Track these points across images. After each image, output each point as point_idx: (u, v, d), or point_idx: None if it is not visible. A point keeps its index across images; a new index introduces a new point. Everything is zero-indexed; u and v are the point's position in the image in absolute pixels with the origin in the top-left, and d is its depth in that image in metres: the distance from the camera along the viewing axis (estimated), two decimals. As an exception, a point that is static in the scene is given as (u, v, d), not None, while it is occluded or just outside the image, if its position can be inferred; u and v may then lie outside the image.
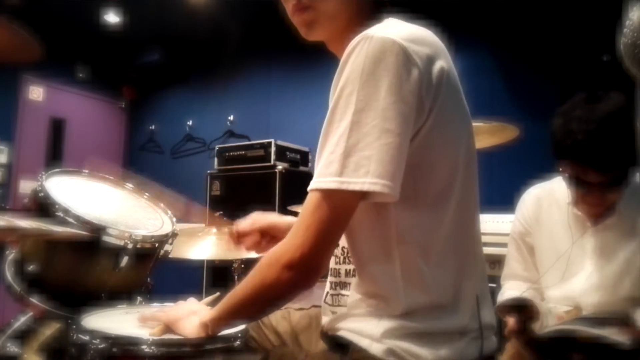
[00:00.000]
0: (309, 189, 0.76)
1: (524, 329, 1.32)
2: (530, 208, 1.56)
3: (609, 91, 1.30)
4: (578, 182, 1.32)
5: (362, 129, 0.72)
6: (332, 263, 0.92)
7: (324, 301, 0.95)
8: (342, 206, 0.75)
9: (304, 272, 0.76)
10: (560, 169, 1.35)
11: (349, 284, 0.89)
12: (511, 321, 1.35)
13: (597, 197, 1.33)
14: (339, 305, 0.90)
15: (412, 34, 0.78)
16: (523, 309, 1.35)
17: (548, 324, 1.31)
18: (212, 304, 0.92)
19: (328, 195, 0.74)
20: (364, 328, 0.81)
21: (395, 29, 0.78)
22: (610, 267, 1.36)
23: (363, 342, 0.80)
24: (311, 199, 0.75)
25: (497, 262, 1.87)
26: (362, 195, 0.74)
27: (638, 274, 1.32)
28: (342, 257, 0.91)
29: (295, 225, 0.77)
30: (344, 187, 0.72)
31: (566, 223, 1.45)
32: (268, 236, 1.18)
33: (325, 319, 0.92)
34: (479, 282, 0.87)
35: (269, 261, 0.78)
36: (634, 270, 1.33)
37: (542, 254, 1.52)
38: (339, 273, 0.92)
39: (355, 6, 0.89)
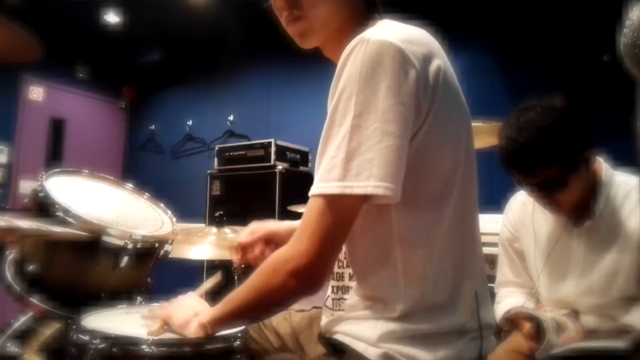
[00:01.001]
0: (310, 194, 0.76)
1: (539, 334, 1.32)
2: (515, 213, 1.58)
3: (550, 99, 1.35)
4: (520, 183, 1.39)
5: (362, 133, 0.72)
6: (335, 267, 0.92)
7: (325, 304, 0.94)
8: (345, 211, 0.75)
9: (310, 279, 0.76)
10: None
11: (352, 287, 0.89)
12: (527, 326, 1.36)
13: (542, 197, 1.38)
14: (340, 310, 0.90)
15: (408, 34, 0.78)
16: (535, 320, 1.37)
17: (554, 342, 1.30)
18: (211, 301, 0.92)
19: (331, 200, 0.73)
20: (360, 331, 0.81)
21: (390, 31, 0.78)
22: (599, 269, 1.36)
23: (359, 346, 0.79)
24: (314, 204, 0.75)
25: (496, 262, 1.87)
26: (365, 198, 0.74)
27: (628, 273, 1.32)
28: (345, 262, 0.91)
29: (299, 230, 0.76)
30: (347, 191, 0.72)
31: (550, 226, 1.46)
32: (272, 244, 1.14)
33: (323, 321, 0.92)
34: (478, 281, 0.86)
35: (273, 266, 0.78)
36: (624, 269, 1.33)
37: (531, 258, 1.53)
38: (343, 277, 0.91)
39: (348, 10, 0.89)
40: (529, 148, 1.30)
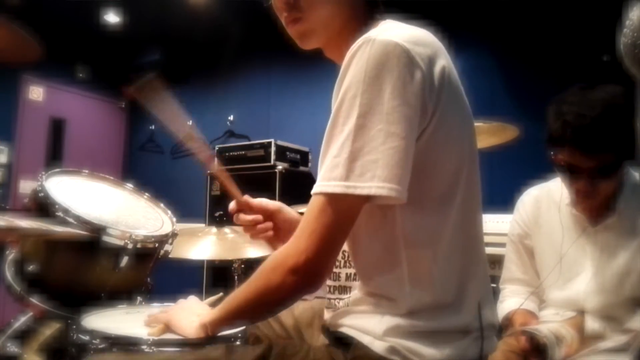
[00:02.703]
0: (313, 192, 0.76)
1: (536, 349, 1.30)
2: (529, 210, 1.54)
3: (606, 83, 1.29)
4: (567, 168, 1.31)
5: (367, 133, 0.72)
6: None
7: (325, 306, 0.94)
8: (347, 211, 0.75)
9: (309, 276, 0.76)
10: (552, 156, 1.34)
11: (349, 287, 0.89)
12: (522, 340, 1.33)
13: (587, 185, 1.30)
14: (334, 309, 0.90)
15: (413, 35, 0.78)
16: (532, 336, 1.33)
17: (555, 354, 1.29)
18: (215, 304, 0.92)
19: (333, 199, 0.73)
20: (367, 325, 0.80)
21: (396, 31, 0.77)
22: (612, 269, 1.35)
23: (365, 339, 0.79)
24: (315, 202, 0.75)
25: (497, 262, 1.86)
26: (367, 198, 0.73)
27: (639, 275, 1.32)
28: (342, 261, 0.91)
29: (300, 228, 0.76)
30: (350, 191, 0.72)
31: (566, 225, 1.44)
32: (270, 221, 1.09)
33: (327, 315, 0.92)
34: (481, 282, 0.86)
35: (273, 265, 0.78)
36: (636, 271, 1.32)
37: (542, 256, 1.50)
38: (339, 277, 0.91)
39: (348, 11, 0.88)
40: (601, 125, 1.21)
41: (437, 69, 0.77)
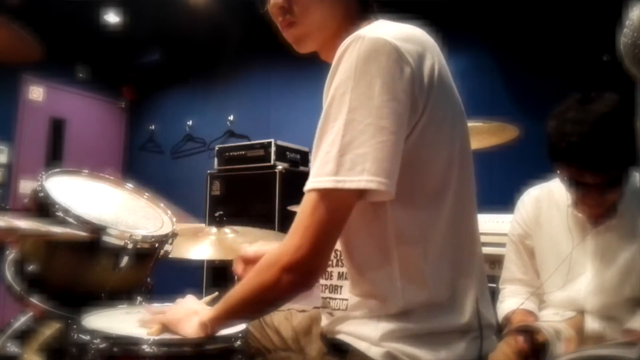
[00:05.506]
0: (305, 189, 0.76)
1: (532, 349, 1.30)
2: (529, 210, 1.54)
3: (602, 91, 1.29)
4: (576, 183, 1.31)
5: (356, 128, 0.72)
6: None
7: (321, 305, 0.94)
8: (339, 205, 0.75)
9: (304, 273, 0.76)
10: (558, 171, 1.35)
11: (341, 287, 0.89)
12: (520, 340, 1.33)
13: (596, 198, 1.33)
14: (329, 309, 0.90)
15: (403, 32, 0.78)
16: (530, 331, 1.33)
17: (555, 349, 1.28)
18: (211, 304, 0.92)
19: (325, 195, 0.74)
20: (362, 331, 0.81)
21: (386, 29, 0.78)
22: (613, 269, 1.36)
23: (361, 346, 0.79)
24: (308, 199, 0.75)
25: (496, 262, 1.86)
26: (359, 194, 0.74)
27: None
28: (335, 260, 0.91)
29: (294, 226, 0.77)
30: (340, 185, 0.72)
31: (566, 225, 1.44)
32: None
33: (324, 321, 0.92)
34: (477, 281, 0.86)
35: (268, 263, 0.78)
36: (636, 271, 1.32)
37: (543, 256, 1.50)
38: (332, 276, 0.91)
39: (342, 14, 0.89)
40: (608, 143, 1.21)
41: (427, 66, 0.77)
